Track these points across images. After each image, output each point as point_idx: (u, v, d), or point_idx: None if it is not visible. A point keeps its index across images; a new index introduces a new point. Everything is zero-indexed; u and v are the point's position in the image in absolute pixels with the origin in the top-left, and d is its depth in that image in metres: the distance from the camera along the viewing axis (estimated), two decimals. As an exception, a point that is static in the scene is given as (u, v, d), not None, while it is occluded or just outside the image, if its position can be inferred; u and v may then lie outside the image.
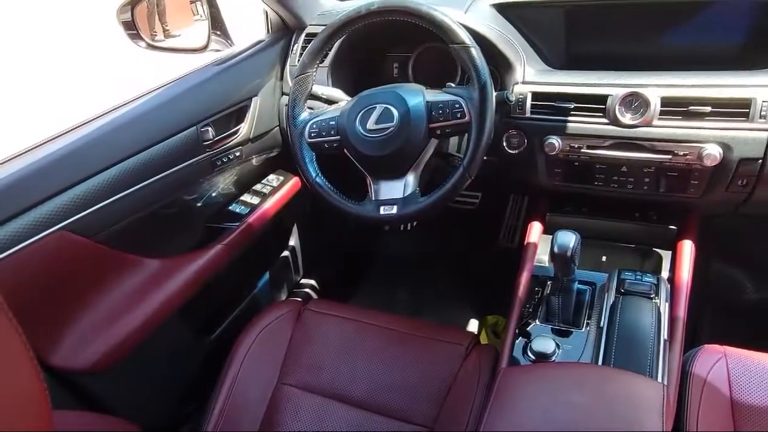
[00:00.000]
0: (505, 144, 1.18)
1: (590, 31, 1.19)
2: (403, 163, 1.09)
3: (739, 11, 1.08)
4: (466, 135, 1.04)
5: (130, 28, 1.29)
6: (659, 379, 0.90)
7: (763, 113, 0.98)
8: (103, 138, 1.05)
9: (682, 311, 1.02)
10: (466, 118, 1.03)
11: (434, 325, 1.23)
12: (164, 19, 1.42)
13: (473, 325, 1.71)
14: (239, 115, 1.31)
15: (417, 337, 1.20)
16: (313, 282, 1.77)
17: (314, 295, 1.75)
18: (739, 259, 1.58)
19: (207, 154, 1.23)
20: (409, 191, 1.09)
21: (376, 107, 1.07)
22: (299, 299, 1.46)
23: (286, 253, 1.65)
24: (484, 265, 1.78)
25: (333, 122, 1.12)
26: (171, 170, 1.15)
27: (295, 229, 1.67)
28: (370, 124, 1.07)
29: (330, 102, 1.21)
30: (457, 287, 1.85)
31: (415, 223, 1.91)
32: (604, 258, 1.21)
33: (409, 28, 1.04)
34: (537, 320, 1.08)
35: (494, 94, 1.03)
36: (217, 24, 1.36)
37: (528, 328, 1.07)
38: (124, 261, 1.12)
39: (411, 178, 1.10)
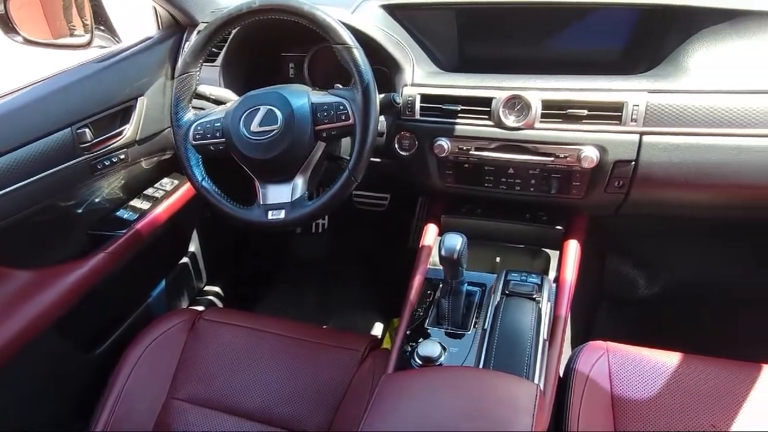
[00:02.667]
0: (397, 146, 1.18)
1: (481, 35, 1.20)
2: (291, 166, 1.06)
3: (619, 18, 1.12)
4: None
5: (4, 21, 1.20)
6: (536, 379, 0.91)
7: (634, 117, 1.01)
8: None
9: (564, 310, 1.05)
10: (351, 120, 1.01)
11: (332, 330, 1.22)
12: (83, 13, 1.33)
13: (379, 329, 1.70)
14: (124, 115, 1.24)
15: (314, 344, 1.17)
16: (217, 289, 1.71)
17: (219, 303, 1.69)
18: (631, 257, 1.65)
19: (85, 157, 1.15)
20: (297, 195, 1.06)
21: (260, 109, 1.03)
22: (195, 308, 1.40)
23: (185, 259, 1.58)
24: (393, 267, 1.78)
25: (218, 124, 1.08)
26: (42, 174, 1.07)
27: (194, 234, 1.60)
28: (254, 126, 1.03)
29: (219, 103, 1.17)
30: (366, 289, 1.83)
31: (325, 225, 1.89)
32: (498, 259, 1.22)
33: (302, 28, 1.02)
34: (428, 323, 1.07)
35: (378, 96, 1.02)
36: (99, 19, 1.29)
37: (418, 332, 1.06)
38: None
39: (300, 182, 1.07)
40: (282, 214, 1.06)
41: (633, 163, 1.04)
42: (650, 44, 1.09)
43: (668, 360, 1.04)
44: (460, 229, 1.04)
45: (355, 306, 1.80)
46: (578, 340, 1.13)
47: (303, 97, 1.04)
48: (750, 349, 1.31)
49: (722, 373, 1.01)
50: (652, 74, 1.06)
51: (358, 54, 0.98)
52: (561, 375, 1.06)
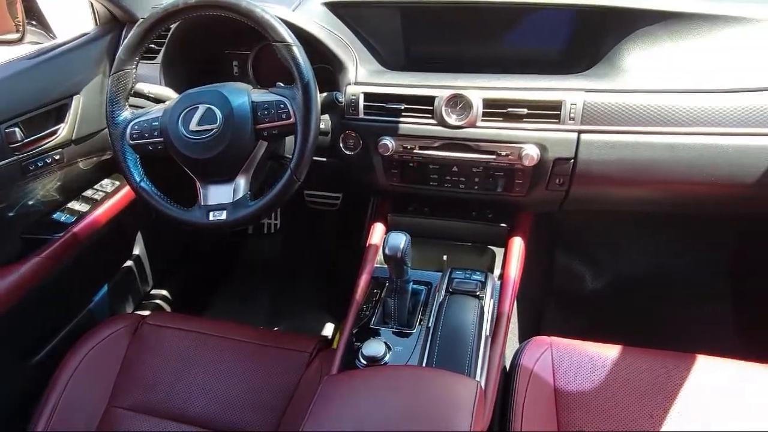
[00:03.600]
0: (342, 145, 1.17)
1: (425, 34, 1.20)
2: (232, 166, 1.04)
3: (559, 19, 1.14)
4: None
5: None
6: (477, 375, 0.92)
7: (572, 115, 1.03)
8: None
9: (507, 306, 1.06)
10: (292, 119, 1.00)
11: (280, 333, 1.20)
12: (14, 9, 1.26)
13: (330, 329, 1.69)
14: (58, 114, 1.19)
15: (261, 347, 1.16)
16: (165, 293, 1.67)
17: (166, 307, 1.65)
18: (579, 253, 1.68)
19: (15, 157, 1.10)
20: (239, 195, 1.05)
21: (198, 107, 1.01)
22: (140, 313, 1.36)
23: (129, 263, 1.53)
24: (347, 267, 1.77)
25: (156, 123, 1.05)
26: None
27: (139, 236, 1.55)
28: (193, 125, 1.01)
29: (159, 101, 1.13)
30: (320, 290, 1.82)
31: (278, 226, 1.87)
32: (444, 257, 1.23)
33: (245, 25, 1.00)
34: (374, 323, 1.07)
35: (320, 94, 1.01)
36: (32, 14, 1.24)
37: (365, 331, 1.06)
38: None
39: (242, 182, 1.05)
40: (224, 215, 1.04)
41: (572, 160, 1.06)
42: (588, 45, 1.12)
43: (610, 353, 1.06)
44: (407, 227, 1.04)
45: (308, 307, 1.78)
46: (526, 336, 1.15)
47: (243, 95, 1.02)
48: (688, 339, 1.35)
49: (660, 364, 1.04)
50: (589, 74, 1.08)
51: (298, 52, 0.97)
52: (507, 370, 1.08)
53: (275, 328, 1.71)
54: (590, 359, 1.06)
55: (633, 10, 1.04)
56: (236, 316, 1.76)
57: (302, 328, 1.71)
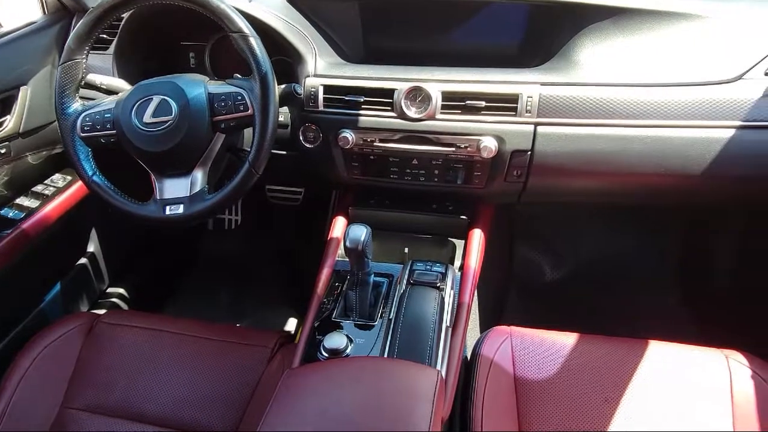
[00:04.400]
0: (302, 138, 1.16)
1: (385, 27, 1.20)
2: (188, 159, 1.02)
3: (515, 14, 1.16)
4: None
5: None
6: (438, 365, 0.93)
7: (528, 108, 1.05)
8: None
9: (467, 297, 1.07)
10: (249, 110, 0.98)
11: (241, 329, 1.18)
12: None
13: (293, 324, 1.68)
14: (3, 106, 1.14)
15: (221, 343, 1.14)
16: (121, 291, 1.62)
17: (123, 305, 1.61)
18: (539, 244, 1.72)
19: None
20: (196, 189, 1.03)
21: (153, 99, 0.99)
22: (95, 311, 1.32)
23: (83, 260, 1.48)
24: (309, 262, 1.76)
25: (108, 115, 1.02)
26: None
27: (93, 232, 1.51)
28: (147, 117, 0.98)
29: (111, 93, 1.10)
30: (282, 286, 1.80)
31: (239, 221, 1.84)
32: (406, 249, 1.23)
33: (201, 16, 0.97)
34: (335, 315, 1.07)
35: (277, 86, 1.00)
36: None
37: (326, 325, 1.05)
38: None
39: (199, 175, 1.03)
40: (180, 209, 1.02)
41: (529, 152, 1.08)
42: (543, 39, 1.14)
43: (567, 341, 1.09)
44: (368, 220, 1.05)
45: (270, 303, 1.76)
46: (488, 326, 1.17)
47: (199, 86, 1.00)
48: (641, 325, 1.40)
49: (615, 350, 1.07)
50: (545, 68, 1.10)
51: (255, 42, 0.96)
52: (468, 360, 1.09)
53: (237, 325, 1.69)
54: (549, 347, 1.08)
55: (584, 5, 1.07)
56: (197, 313, 1.73)
57: (264, 324, 1.70)
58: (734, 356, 1.02)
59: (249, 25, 0.96)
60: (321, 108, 1.12)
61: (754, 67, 1.03)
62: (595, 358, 1.06)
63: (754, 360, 1.02)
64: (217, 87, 1.01)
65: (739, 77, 1.03)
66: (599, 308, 1.61)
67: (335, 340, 0.98)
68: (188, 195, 1.02)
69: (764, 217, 1.43)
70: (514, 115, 1.06)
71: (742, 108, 1.02)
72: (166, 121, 0.97)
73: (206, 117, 0.99)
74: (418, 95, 1.08)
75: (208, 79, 1.04)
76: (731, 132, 1.02)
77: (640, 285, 1.67)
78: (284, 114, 1.16)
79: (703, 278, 1.63)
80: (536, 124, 1.06)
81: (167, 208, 1.02)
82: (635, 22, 1.06)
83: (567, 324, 1.15)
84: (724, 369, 1.01)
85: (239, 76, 1.04)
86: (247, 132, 1.16)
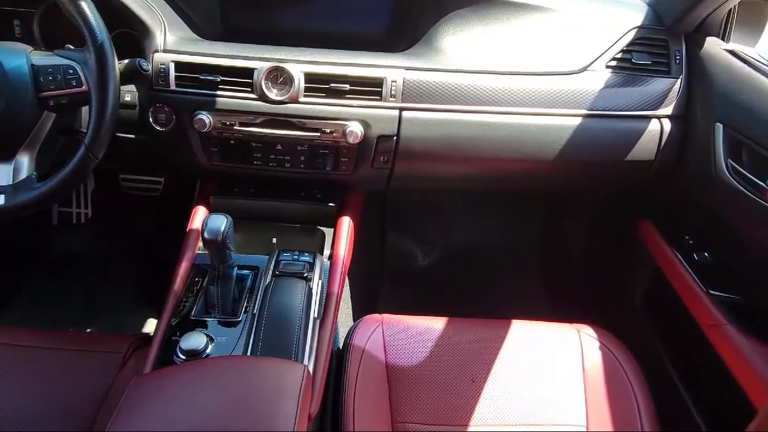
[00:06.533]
0: (152, 120, 1.05)
1: (244, 2, 1.13)
2: (10, 142, 0.89)
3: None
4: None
5: None
6: (305, 360, 0.89)
7: (393, 92, 1.04)
8: None
9: (337, 287, 1.04)
10: (83, 86, 0.87)
11: (90, 334, 1.07)
12: None
13: (152, 325, 1.55)
14: None
15: (65, 352, 1.01)
16: None
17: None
18: (409, 231, 1.74)
19: None
20: (22, 176, 0.90)
21: None
22: None
23: None
24: (169, 257, 1.64)
25: None
26: None
27: None
28: None
29: None
30: (139, 284, 1.66)
31: (89, 215, 1.66)
32: (273, 240, 1.18)
33: None
34: (195, 313, 0.98)
35: (119, 61, 0.89)
36: None
37: (185, 324, 0.97)
38: None
39: (24, 160, 0.90)
40: (2, 200, 0.88)
41: (395, 138, 1.07)
42: (408, 25, 1.13)
43: (437, 325, 1.10)
44: (231, 210, 0.97)
45: (127, 304, 1.61)
46: (361, 316, 1.15)
47: (19, 57, 0.86)
48: (506, 306, 1.47)
49: (482, 331, 1.10)
50: (409, 53, 1.10)
51: (87, 7, 0.84)
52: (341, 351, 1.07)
53: (88, 330, 1.52)
54: (419, 333, 1.09)
55: None
56: (44, 320, 1.54)
57: (121, 327, 1.55)
58: (585, 330, 1.10)
59: None
60: (173, 87, 1.03)
61: (596, 59, 1.11)
62: (463, 340, 1.09)
63: (601, 332, 1.10)
64: (43, 58, 0.88)
65: (585, 69, 1.10)
66: (468, 292, 1.66)
67: (193, 340, 0.90)
68: (11, 183, 0.88)
69: (609, 203, 1.57)
70: (379, 100, 1.04)
71: (587, 98, 1.09)
72: None
73: (30, 92, 0.86)
74: (279, 76, 1.02)
75: (32, 49, 0.90)
76: (579, 120, 1.09)
77: (505, 268, 1.75)
78: (130, 93, 1.04)
79: (559, 260, 1.75)
80: (401, 109, 1.05)
81: None
82: (493, 11, 1.10)
83: (438, 309, 1.17)
84: (577, 342, 1.08)
85: (71, 47, 0.91)
86: (87, 112, 1.02)
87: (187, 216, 1.53)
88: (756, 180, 0.95)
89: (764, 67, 1.04)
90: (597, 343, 1.08)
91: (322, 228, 1.18)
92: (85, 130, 1.00)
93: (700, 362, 1.13)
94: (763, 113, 0.97)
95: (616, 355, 1.06)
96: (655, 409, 1.01)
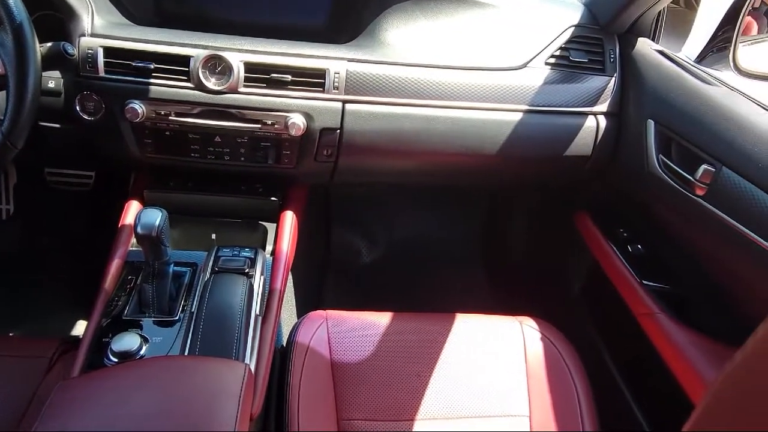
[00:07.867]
0: (79, 109, 0.99)
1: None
2: None
3: None
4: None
5: None
6: (246, 358, 0.86)
7: (336, 84, 1.02)
8: None
9: (279, 283, 1.02)
10: (0, 70, 0.81)
11: (12, 338, 0.99)
12: None
13: (81, 327, 1.46)
14: None
15: None
16: None
17: None
18: (354, 227, 1.73)
19: None
20: None
21: None
22: None
23: None
24: (101, 255, 1.56)
25: None
26: None
27: None
28: None
29: None
30: (68, 284, 1.56)
31: (11, 211, 1.55)
32: (213, 236, 1.13)
33: None
34: (128, 313, 0.93)
35: (41, 44, 0.83)
36: None
37: (117, 325, 0.92)
38: None
39: None
40: None
41: (338, 130, 1.05)
42: (350, 17, 1.12)
43: (382, 320, 1.09)
44: (168, 204, 0.93)
45: (55, 305, 1.51)
46: (306, 313, 1.12)
47: None
48: (450, 300, 1.48)
49: (426, 325, 1.10)
50: (352, 44, 1.08)
51: None
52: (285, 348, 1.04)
53: (11, 334, 1.42)
54: (364, 328, 1.08)
55: None
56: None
57: (49, 331, 1.46)
58: (527, 322, 1.12)
59: None
60: (102, 74, 0.97)
61: (536, 56, 1.13)
62: (407, 335, 1.09)
63: (542, 324, 1.13)
64: None
65: (525, 65, 1.12)
66: (413, 286, 1.67)
67: (125, 341, 0.85)
68: None
69: (549, 197, 1.61)
70: (322, 92, 1.02)
71: (527, 93, 1.11)
72: None
73: None
74: (217, 65, 0.99)
75: None
76: (519, 115, 1.11)
77: (450, 262, 1.77)
78: (54, 79, 0.98)
79: (501, 253, 1.78)
80: (344, 102, 1.04)
81: None
82: (436, 5, 1.10)
83: (383, 304, 1.16)
84: (519, 334, 1.10)
85: None
86: (4, 98, 0.95)
87: (120, 210, 1.46)
88: (685, 174, 0.99)
89: (691, 67, 1.09)
90: (538, 335, 1.10)
91: (264, 223, 1.15)
92: (2, 117, 0.93)
93: (636, 350, 1.17)
94: (691, 110, 1.01)
95: (556, 346, 1.09)
96: (593, 395, 1.04)
